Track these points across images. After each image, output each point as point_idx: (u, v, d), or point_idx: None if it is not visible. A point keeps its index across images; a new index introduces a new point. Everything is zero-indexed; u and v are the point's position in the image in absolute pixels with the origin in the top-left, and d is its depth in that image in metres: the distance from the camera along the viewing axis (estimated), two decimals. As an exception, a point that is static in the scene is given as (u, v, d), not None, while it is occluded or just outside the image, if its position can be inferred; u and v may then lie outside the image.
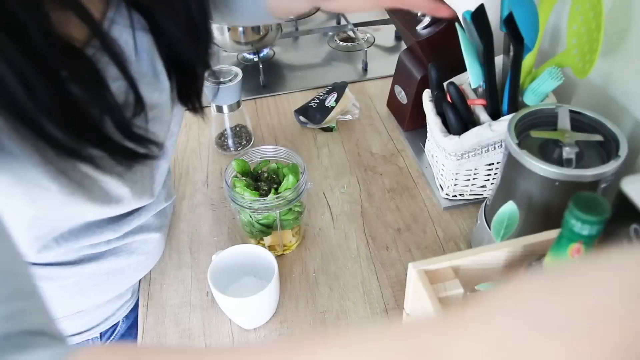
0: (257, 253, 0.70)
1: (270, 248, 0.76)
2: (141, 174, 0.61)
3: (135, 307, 0.76)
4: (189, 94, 0.63)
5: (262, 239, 0.77)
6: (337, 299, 0.72)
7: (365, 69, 1.20)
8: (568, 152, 0.59)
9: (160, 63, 0.58)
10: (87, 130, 0.46)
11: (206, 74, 0.65)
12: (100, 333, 0.72)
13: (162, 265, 0.77)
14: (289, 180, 0.71)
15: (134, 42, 0.54)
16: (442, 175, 0.85)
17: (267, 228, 0.74)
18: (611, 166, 0.56)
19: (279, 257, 0.78)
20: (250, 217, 0.73)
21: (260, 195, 0.71)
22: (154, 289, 0.75)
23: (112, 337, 0.74)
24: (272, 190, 0.72)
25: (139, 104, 0.52)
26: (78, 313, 0.68)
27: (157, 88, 0.58)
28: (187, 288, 0.75)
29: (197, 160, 0.97)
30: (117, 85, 0.50)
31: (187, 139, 1.02)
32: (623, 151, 0.58)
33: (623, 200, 0.45)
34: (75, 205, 0.51)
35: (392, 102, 1.04)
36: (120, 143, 0.49)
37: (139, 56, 0.55)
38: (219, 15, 0.75)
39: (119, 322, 0.74)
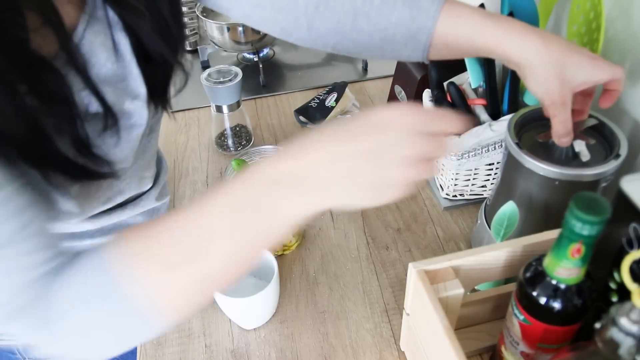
0: (257, 253, 0.70)
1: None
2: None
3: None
4: (157, 92, 0.60)
5: (262, 239, 0.76)
6: (337, 299, 0.72)
7: (365, 69, 1.19)
8: (579, 144, 0.59)
9: (137, 66, 0.55)
10: (39, 147, 0.45)
11: (176, 71, 0.63)
12: None
13: (162, 265, 0.77)
14: (289, 180, 0.71)
15: (113, 42, 0.53)
16: (442, 175, 0.85)
17: (267, 228, 0.74)
18: (611, 166, 0.56)
19: (279, 257, 0.78)
20: (250, 217, 0.73)
21: (260, 195, 0.71)
22: (154, 289, 0.75)
23: None
24: (272, 190, 0.72)
25: (110, 115, 0.52)
26: None
27: (131, 94, 0.56)
28: (187, 288, 0.74)
29: (197, 160, 0.97)
30: (84, 96, 0.50)
31: (187, 139, 1.02)
32: (623, 151, 0.58)
33: (623, 199, 0.45)
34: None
35: (392, 102, 1.04)
36: (73, 160, 0.48)
37: (120, 56, 0.54)
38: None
39: None
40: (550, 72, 0.54)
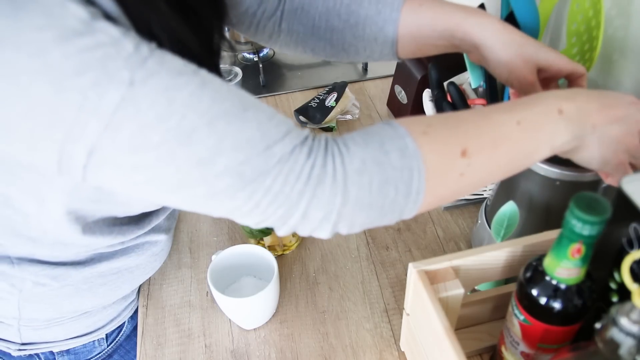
0: (257, 253, 0.70)
1: (270, 248, 0.76)
2: None
3: (139, 308, 0.76)
4: (208, 69, 0.62)
5: (262, 239, 0.76)
6: (337, 299, 0.72)
7: (365, 69, 1.19)
8: None
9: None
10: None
11: (222, 47, 0.65)
12: (106, 334, 0.72)
13: (162, 265, 0.77)
14: (288, 180, 0.71)
15: None
16: (442, 175, 0.85)
17: (267, 228, 0.74)
18: (611, 166, 0.56)
19: (279, 257, 0.78)
20: (250, 217, 0.73)
21: (260, 195, 0.71)
22: (154, 289, 0.75)
23: (118, 338, 0.74)
24: (272, 190, 0.72)
25: None
26: (85, 314, 0.68)
27: None
28: (186, 288, 0.75)
29: (197, 160, 0.97)
30: None
31: (187, 139, 1.02)
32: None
33: (623, 200, 0.45)
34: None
35: (392, 102, 1.04)
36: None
37: None
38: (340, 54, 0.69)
39: (124, 323, 0.74)
40: (511, 50, 0.57)
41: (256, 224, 0.43)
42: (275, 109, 0.44)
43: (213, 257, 0.70)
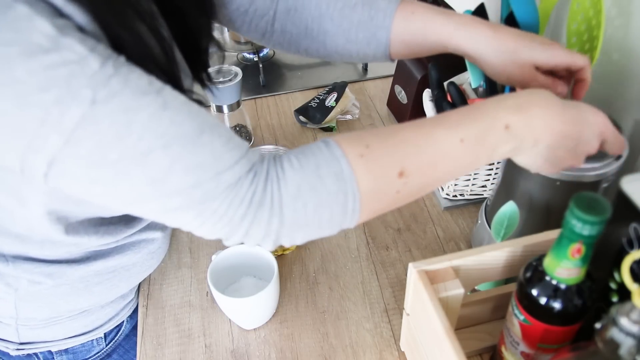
0: (257, 253, 0.70)
1: (270, 248, 0.76)
2: None
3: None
4: (197, 69, 0.64)
5: (262, 239, 0.76)
6: (337, 299, 0.72)
7: (365, 69, 1.19)
8: None
9: (179, 51, 0.58)
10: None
11: (211, 46, 0.65)
12: (105, 333, 0.72)
13: (162, 265, 0.77)
14: (288, 180, 0.71)
15: None
16: (442, 175, 0.85)
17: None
18: (612, 166, 0.56)
19: (278, 257, 0.78)
20: (250, 217, 0.73)
21: (260, 195, 0.71)
22: (154, 289, 0.75)
23: (117, 337, 0.74)
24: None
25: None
26: (83, 312, 0.68)
27: (186, 74, 0.58)
28: (186, 288, 0.75)
29: (197, 160, 0.97)
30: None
31: (187, 139, 1.02)
32: (624, 151, 0.58)
33: (623, 200, 0.45)
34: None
35: (392, 102, 1.04)
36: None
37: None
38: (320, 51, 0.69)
39: (123, 322, 0.74)
40: (505, 58, 0.57)
41: (206, 236, 0.45)
42: (230, 132, 0.45)
43: (213, 257, 0.70)
